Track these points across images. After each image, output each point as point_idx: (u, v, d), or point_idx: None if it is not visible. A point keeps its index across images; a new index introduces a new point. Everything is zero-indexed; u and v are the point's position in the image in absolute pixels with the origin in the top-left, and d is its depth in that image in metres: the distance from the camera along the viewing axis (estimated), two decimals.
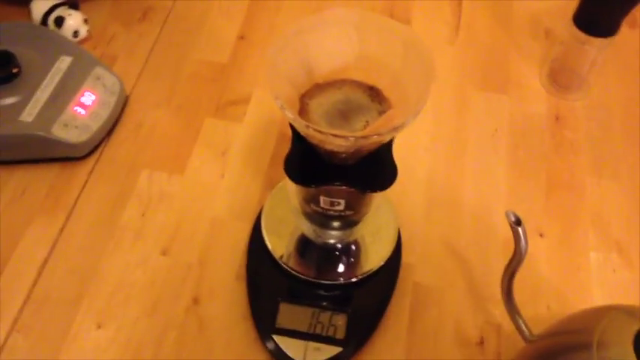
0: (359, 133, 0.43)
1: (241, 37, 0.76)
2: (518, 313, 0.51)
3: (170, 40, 0.75)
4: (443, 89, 0.73)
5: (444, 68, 0.75)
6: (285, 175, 0.47)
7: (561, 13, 0.76)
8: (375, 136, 0.42)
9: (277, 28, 0.77)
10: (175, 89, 0.71)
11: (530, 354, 0.49)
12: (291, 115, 0.42)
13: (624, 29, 0.67)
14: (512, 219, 0.47)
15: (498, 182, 0.66)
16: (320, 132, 0.41)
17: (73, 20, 0.71)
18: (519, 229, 0.47)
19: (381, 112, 0.46)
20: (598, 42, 0.67)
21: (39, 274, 0.57)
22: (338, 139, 0.41)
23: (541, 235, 0.63)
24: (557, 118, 0.71)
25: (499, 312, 0.57)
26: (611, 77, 0.75)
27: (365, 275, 0.57)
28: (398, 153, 0.66)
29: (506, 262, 0.60)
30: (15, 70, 0.63)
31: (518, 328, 0.51)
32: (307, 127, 0.42)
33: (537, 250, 0.61)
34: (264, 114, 0.69)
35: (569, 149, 0.69)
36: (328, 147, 0.44)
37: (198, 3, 0.78)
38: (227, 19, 0.77)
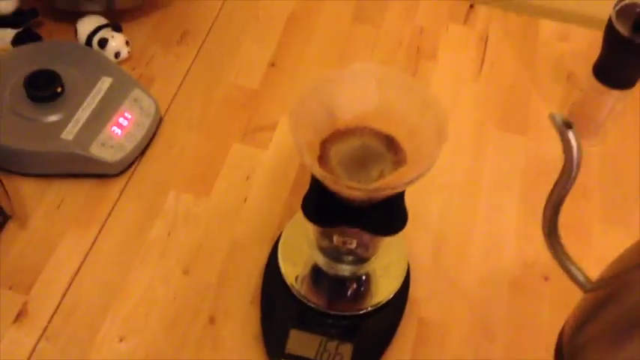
0: (372, 186, 0.46)
1: (272, 64, 0.79)
2: (567, 256, 0.43)
3: (205, 63, 0.79)
4: (462, 125, 0.76)
5: (464, 104, 0.78)
6: None
7: (585, 57, 0.78)
8: (386, 190, 0.45)
9: (307, 57, 0.80)
10: (207, 112, 0.74)
11: (593, 305, 0.42)
12: (309, 162, 0.46)
13: None
14: (560, 121, 0.37)
15: (509, 222, 0.68)
16: (335, 182, 0.45)
17: (116, 42, 0.75)
18: (569, 134, 0.36)
19: (395, 162, 0.50)
20: (616, 93, 0.69)
21: (70, 284, 0.61)
22: (351, 190, 0.45)
23: (546, 279, 0.65)
24: None
25: (500, 353, 0.60)
26: (629, 126, 0.77)
27: (373, 308, 0.60)
28: (412, 187, 0.68)
29: (511, 303, 0.63)
30: (59, 90, 0.67)
31: (569, 274, 0.43)
32: (324, 177, 0.45)
33: (540, 293, 0.64)
34: (289, 142, 0.72)
35: (580, 194, 0.71)
36: (344, 195, 0.47)
37: (233, 28, 0.82)
38: (260, 46, 0.81)
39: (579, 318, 0.43)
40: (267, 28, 0.83)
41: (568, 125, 0.37)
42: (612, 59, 0.68)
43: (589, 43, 0.84)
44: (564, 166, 0.39)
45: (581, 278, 0.43)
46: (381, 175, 0.48)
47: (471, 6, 0.88)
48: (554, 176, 0.72)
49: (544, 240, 0.43)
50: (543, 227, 0.42)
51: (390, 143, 0.51)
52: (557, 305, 0.63)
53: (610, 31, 0.66)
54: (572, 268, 0.43)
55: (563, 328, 0.47)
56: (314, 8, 0.85)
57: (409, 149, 0.50)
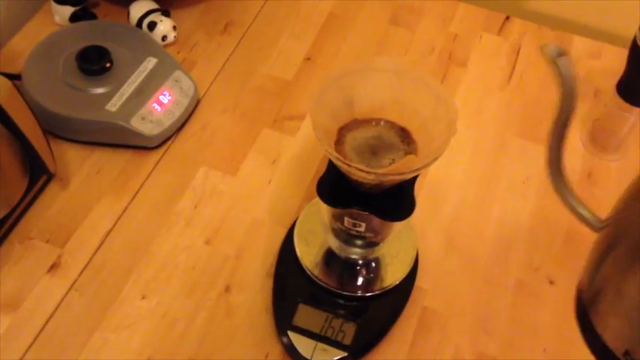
0: (379, 170, 0.49)
1: (307, 59, 0.83)
2: (573, 195, 0.40)
3: (244, 53, 0.83)
4: (485, 130, 0.78)
5: (489, 111, 0.80)
6: None
7: (615, 75, 0.79)
8: (394, 175, 0.49)
9: (341, 54, 0.84)
10: (241, 98, 0.79)
11: (606, 243, 0.40)
12: (324, 145, 0.49)
13: None
14: (552, 50, 0.34)
15: (520, 227, 0.71)
16: (346, 164, 0.48)
17: (164, 26, 0.80)
18: (562, 62, 0.33)
19: (407, 153, 0.53)
20: (638, 111, 0.71)
21: (100, 244, 0.66)
22: (360, 173, 0.48)
23: (551, 283, 0.67)
24: (589, 175, 0.75)
25: (496, 346, 0.62)
26: None
27: (379, 292, 0.63)
28: (430, 183, 0.71)
29: (514, 303, 0.65)
30: (108, 65, 0.73)
31: (576, 214, 0.41)
32: (337, 158, 0.49)
33: (544, 296, 0.66)
34: None
35: (594, 206, 0.72)
36: (354, 177, 0.51)
37: (274, 23, 0.87)
38: (297, 41, 0.85)
39: (593, 260, 0.42)
40: (306, 25, 0.87)
41: (560, 54, 0.35)
42: (635, 78, 0.70)
43: (620, 62, 0.85)
44: (561, 99, 0.35)
45: (590, 217, 0.41)
46: (391, 164, 0.52)
47: (507, 18, 0.90)
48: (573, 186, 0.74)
49: (549, 180, 0.39)
50: (548, 163, 0.39)
51: (404, 135, 0.54)
52: (560, 309, 0.65)
53: (634, 50, 0.68)
54: (580, 208, 0.41)
55: (580, 280, 0.46)
56: (353, 9, 0.89)
57: (421, 141, 0.53)
